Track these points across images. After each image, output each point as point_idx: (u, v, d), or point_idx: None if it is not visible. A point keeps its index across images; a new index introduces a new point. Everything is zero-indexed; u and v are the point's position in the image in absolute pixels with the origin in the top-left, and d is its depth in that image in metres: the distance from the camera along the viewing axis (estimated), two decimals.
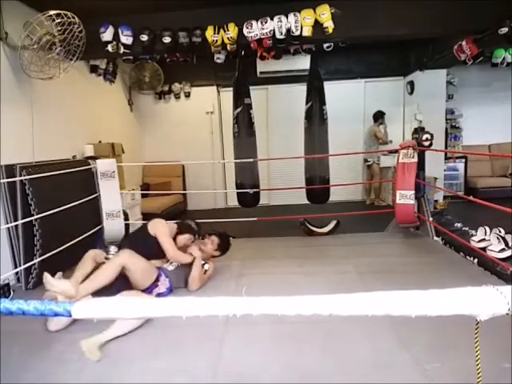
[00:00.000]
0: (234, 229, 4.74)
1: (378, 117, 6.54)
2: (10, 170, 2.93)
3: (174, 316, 0.71)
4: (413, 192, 3.82)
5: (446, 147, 6.64)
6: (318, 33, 3.45)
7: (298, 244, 3.97)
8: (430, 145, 4.01)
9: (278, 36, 3.45)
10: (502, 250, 2.86)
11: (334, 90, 6.16)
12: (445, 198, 6.21)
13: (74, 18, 2.97)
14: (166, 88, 6.78)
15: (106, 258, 2.64)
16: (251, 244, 4.12)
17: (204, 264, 2.85)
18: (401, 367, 1.79)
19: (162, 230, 2.84)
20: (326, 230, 4.27)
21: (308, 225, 4.27)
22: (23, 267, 2.90)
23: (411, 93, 6.51)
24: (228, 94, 6.06)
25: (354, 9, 3.49)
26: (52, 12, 2.89)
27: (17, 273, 3.02)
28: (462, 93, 6.92)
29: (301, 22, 3.39)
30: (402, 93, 6.87)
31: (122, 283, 2.37)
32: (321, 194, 5.00)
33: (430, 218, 3.94)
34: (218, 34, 3.50)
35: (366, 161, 6.69)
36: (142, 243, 2.78)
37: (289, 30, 3.43)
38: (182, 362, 1.90)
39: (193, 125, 6.92)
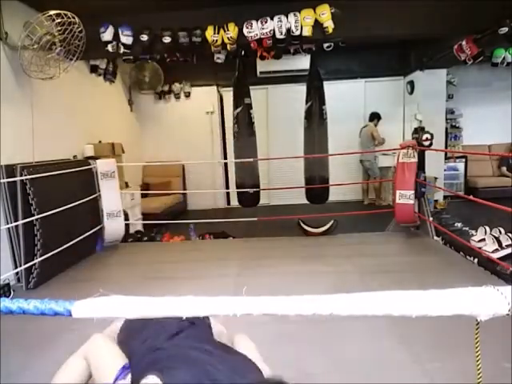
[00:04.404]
0: (234, 229, 4.75)
1: (375, 117, 6.54)
2: (11, 170, 2.94)
3: (174, 316, 0.71)
4: (412, 192, 3.82)
5: (446, 147, 6.64)
6: (318, 33, 3.45)
7: (297, 244, 3.96)
8: (430, 145, 4.01)
9: (278, 36, 3.45)
10: (496, 251, 2.88)
11: (333, 90, 6.16)
12: (445, 197, 6.22)
13: (74, 17, 2.97)
14: (166, 88, 6.78)
15: None
16: (251, 244, 4.12)
17: None
18: (401, 366, 1.79)
19: None
20: (320, 230, 4.26)
21: (303, 225, 4.27)
22: (24, 267, 2.91)
23: (411, 93, 6.51)
24: (228, 94, 6.06)
25: (354, 9, 3.49)
26: (52, 12, 2.89)
27: (17, 273, 3.03)
28: (462, 93, 6.92)
29: (301, 22, 3.39)
30: (402, 93, 6.86)
31: None
32: (320, 194, 4.99)
33: (430, 218, 3.94)
34: (218, 33, 3.50)
35: (361, 162, 6.68)
36: None
37: (289, 30, 3.43)
38: None
39: (193, 125, 6.92)
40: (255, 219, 4.73)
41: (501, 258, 2.80)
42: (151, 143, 6.97)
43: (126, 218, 4.37)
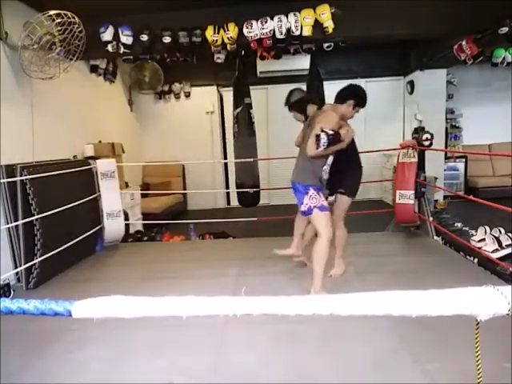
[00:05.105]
0: (234, 229, 4.76)
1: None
2: (11, 170, 2.94)
3: (173, 316, 0.71)
4: (412, 192, 3.81)
5: (446, 147, 6.64)
6: (318, 32, 3.45)
7: None
8: (430, 144, 4.01)
9: (278, 36, 3.45)
10: (496, 251, 2.88)
11: (334, 90, 6.13)
12: (445, 197, 6.21)
13: (74, 17, 2.97)
14: (166, 88, 6.78)
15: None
16: (251, 244, 4.12)
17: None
18: (401, 366, 1.79)
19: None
20: None
21: None
22: (24, 267, 2.91)
23: (411, 92, 6.51)
24: (228, 94, 6.06)
25: (354, 9, 3.48)
26: (52, 12, 2.89)
27: (17, 273, 3.03)
28: (462, 92, 6.92)
29: (301, 22, 3.39)
30: (402, 93, 6.86)
31: None
32: None
33: (430, 218, 3.94)
34: (217, 33, 3.50)
35: None
36: None
37: (289, 30, 3.43)
38: (182, 361, 1.90)
39: (193, 125, 6.92)
40: (255, 219, 4.72)
41: (501, 258, 2.80)
42: (151, 143, 6.97)
43: (126, 217, 4.37)
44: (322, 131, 2.42)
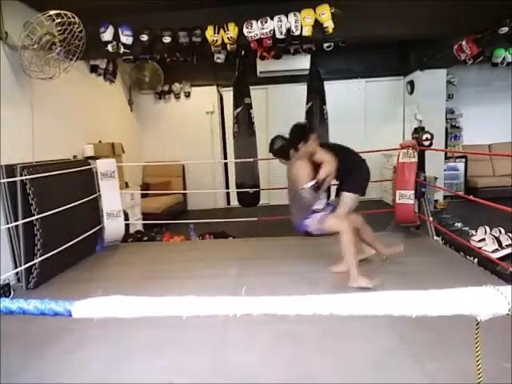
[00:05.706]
0: (234, 229, 4.76)
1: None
2: (11, 170, 2.94)
3: (173, 316, 0.71)
4: (412, 192, 3.81)
5: (446, 147, 6.64)
6: (318, 33, 3.45)
7: (297, 244, 3.96)
8: (430, 144, 4.01)
9: (278, 36, 3.45)
10: (496, 251, 2.88)
11: (334, 90, 6.15)
12: (445, 197, 6.21)
13: (74, 17, 2.98)
14: (166, 88, 6.78)
15: None
16: (251, 244, 4.12)
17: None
18: (401, 366, 1.79)
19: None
20: None
21: None
22: (24, 267, 2.90)
23: (411, 92, 6.51)
24: (228, 94, 6.06)
25: (354, 9, 3.49)
26: (52, 12, 2.89)
27: (17, 273, 3.03)
28: (462, 92, 6.92)
29: (301, 22, 3.39)
30: (402, 93, 6.87)
31: None
32: None
33: (430, 218, 3.94)
34: (217, 33, 3.50)
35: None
36: None
37: (289, 30, 3.43)
38: (182, 361, 1.90)
39: (193, 125, 6.92)
40: (255, 219, 4.72)
41: (501, 258, 2.80)
42: (151, 143, 6.97)
43: (126, 217, 4.37)
44: (303, 189, 2.78)
